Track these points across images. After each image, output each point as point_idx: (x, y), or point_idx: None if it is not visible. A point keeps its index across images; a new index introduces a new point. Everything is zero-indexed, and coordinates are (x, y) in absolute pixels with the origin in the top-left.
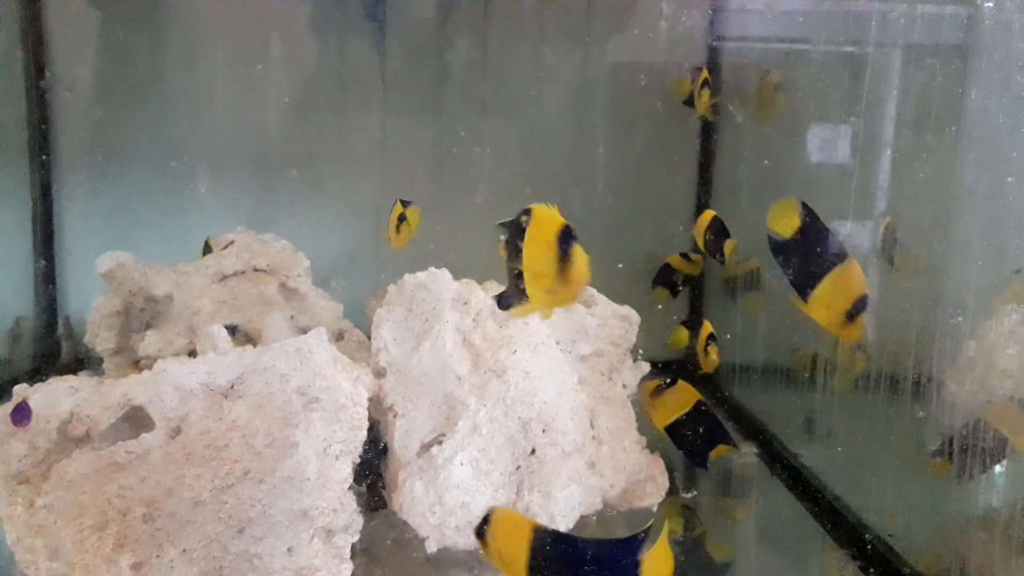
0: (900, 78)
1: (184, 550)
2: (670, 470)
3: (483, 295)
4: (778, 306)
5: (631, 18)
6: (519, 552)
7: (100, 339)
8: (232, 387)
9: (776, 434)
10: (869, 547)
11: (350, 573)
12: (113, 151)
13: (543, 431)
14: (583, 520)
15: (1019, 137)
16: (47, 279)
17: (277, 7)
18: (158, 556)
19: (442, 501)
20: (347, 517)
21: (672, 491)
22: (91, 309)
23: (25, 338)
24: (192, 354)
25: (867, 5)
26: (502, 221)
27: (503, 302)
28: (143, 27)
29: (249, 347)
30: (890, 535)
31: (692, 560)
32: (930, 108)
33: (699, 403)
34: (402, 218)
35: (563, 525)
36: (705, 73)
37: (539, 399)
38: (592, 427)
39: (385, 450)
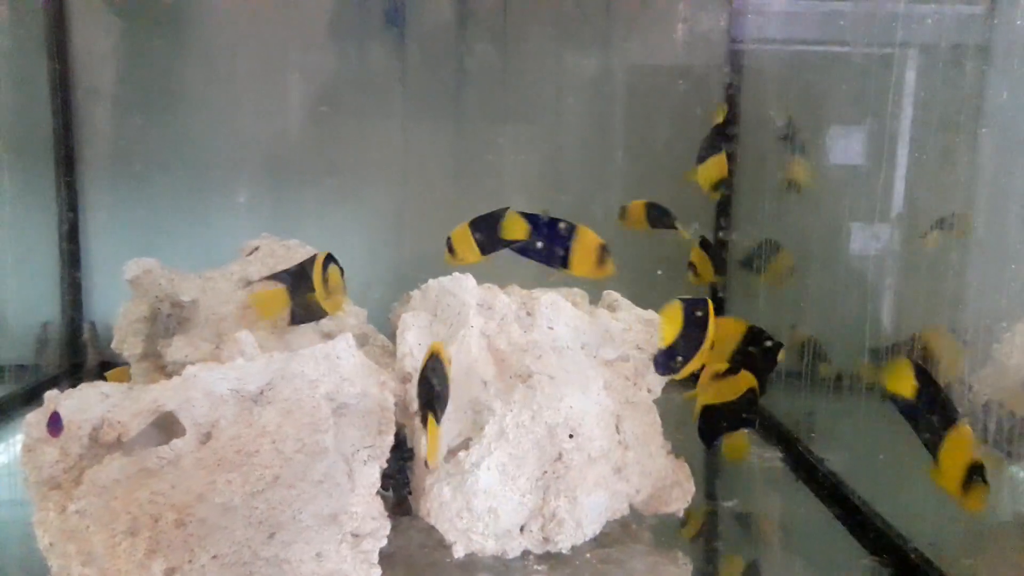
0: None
1: (215, 555)
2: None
3: (507, 300)
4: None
5: (651, 21)
6: None
7: (127, 345)
8: (262, 393)
9: (800, 438)
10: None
11: None
12: (138, 159)
13: (569, 436)
14: (608, 525)
15: None
16: (73, 285)
17: (298, 15)
18: (190, 561)
19: (470, 506)
20: (375, 522)
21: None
22: (117, 315)
23: (52, 344)
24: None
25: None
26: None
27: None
28: (166, 37)
29: (277, 353)
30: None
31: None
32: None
33: (751, 390)
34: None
35: (589, 531)
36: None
37: (565, 404)
38: (618, 432)
39: (411, 455)
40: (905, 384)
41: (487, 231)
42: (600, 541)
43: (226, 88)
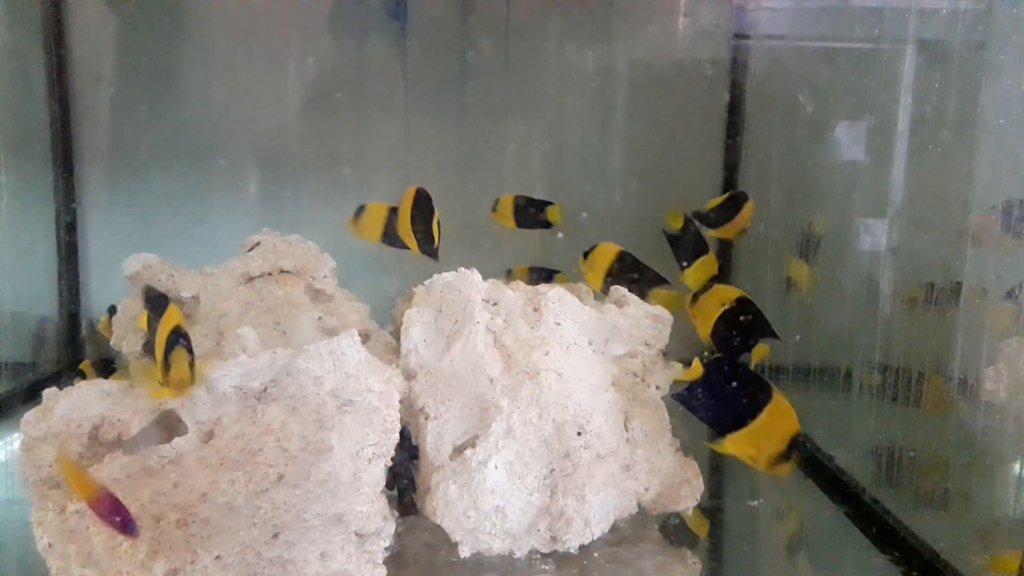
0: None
1: (218, 556)
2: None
3: (513, 295)
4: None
5: (653, 15)
6: None
7: (127, 341)
8: (265, 390)
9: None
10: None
11: None
12: (137, 154)
13: (577, 434)
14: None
15: None
16: (71, 281)
17: (300, 8)
18: (192, 562)
19: (477, 505)
20: (380, 522)
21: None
22: (116, 311)
23: (49, 341)
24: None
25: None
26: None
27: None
28: (165, 30)
29: (280, 349)
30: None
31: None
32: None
33: (741, 299)
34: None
35: (598, 530)
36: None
37: (573, 401)
38: (626, 429)
39: (416, 454)
40: None
41: (530, 208)
42: (608, 540)
43: (227, 81)
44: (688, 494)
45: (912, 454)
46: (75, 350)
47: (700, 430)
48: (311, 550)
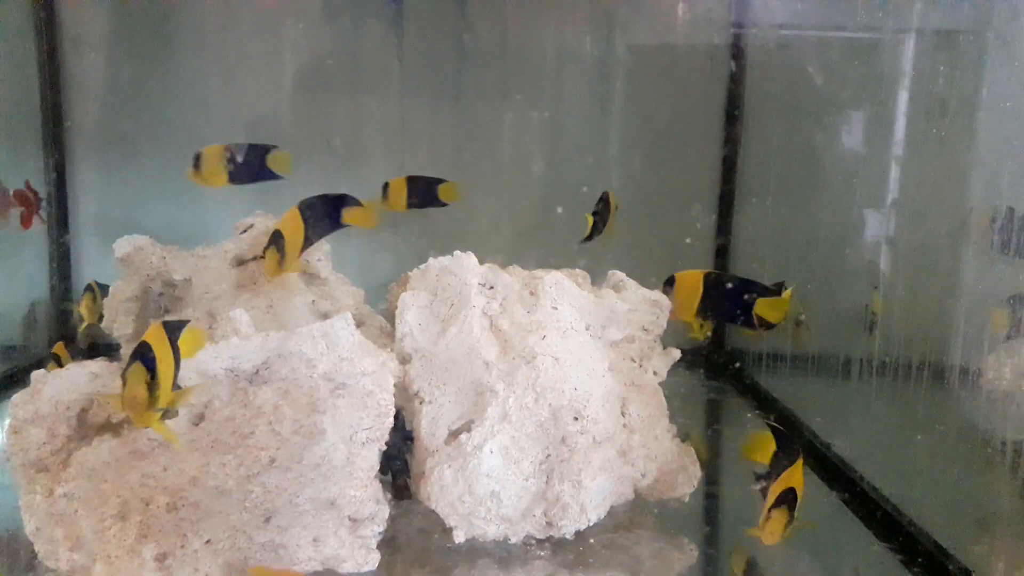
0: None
1: (209, 540)
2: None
3: (509, 279)
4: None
5: (653, 0)
6: None
7: (118, 324)
8: (257, 372)
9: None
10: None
11: (377, 564)
12: (128, 136)
13: (574, 419)
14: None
15: None
16: (62, 265)
17: None
18: (182, 547)
19: (472, 490)
20: (374, 506)
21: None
22: (107, 294)
23: (40, 324)
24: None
25: None
26: None
27: None
28: (156, 11)
29: (273, 332)
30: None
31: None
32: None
33: (707, 276)
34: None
35: (594, 516)
36: None
37: (569, 386)
38: (623, 415)
39: (410, 438)
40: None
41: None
42: (605, 526)
43: (220, 62)
44: (685, 481)
45: None
46: (66, 333)
47: (697, 417)
48: (303, 534)
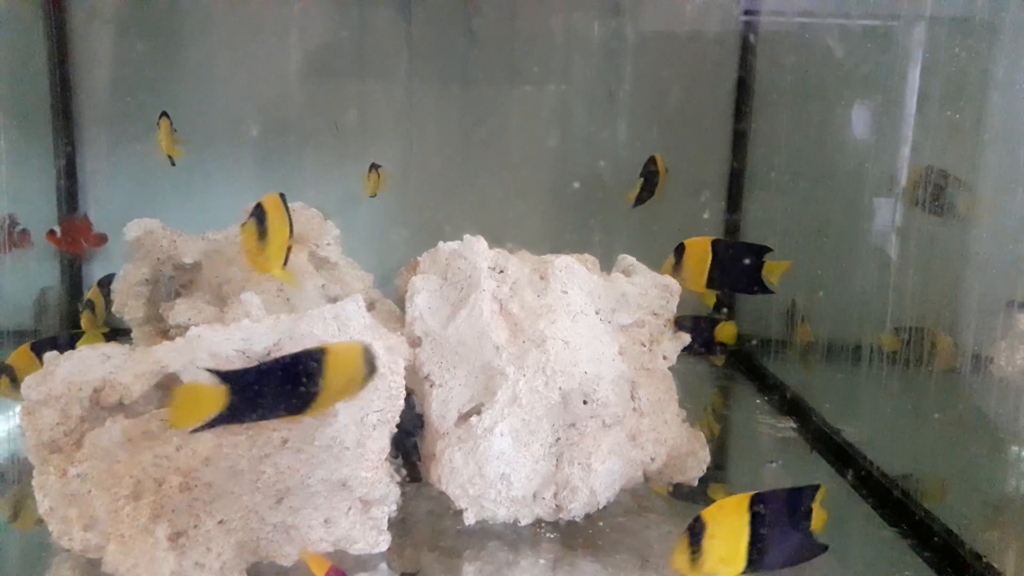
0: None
1: (221, 520)
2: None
3: (519, 263)
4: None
5: None
6: None
7: (128, 308)
8: (269, 354)
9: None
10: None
11: (388, 545)
12: (136, 121)
13: (584, 402)
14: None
15: None
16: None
17: None
18: (195, 526)
19: (482, 472)
20: (384, 488)
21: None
22: (117, 278)
23: (51, 309)
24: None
25: None
26: None
27: None
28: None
29: (283, 314)
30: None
31: None
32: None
33: (716, 242)
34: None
35: (603, 499)
36: None
37: (579, 369)
38: (633, 399)
39: (420, 422)
40: None
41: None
42: (614, 509)
43: (229, 46)
44: (694, 465)
45: None
46: (76, 317)
47: (705, 401)
48: (315, 515)
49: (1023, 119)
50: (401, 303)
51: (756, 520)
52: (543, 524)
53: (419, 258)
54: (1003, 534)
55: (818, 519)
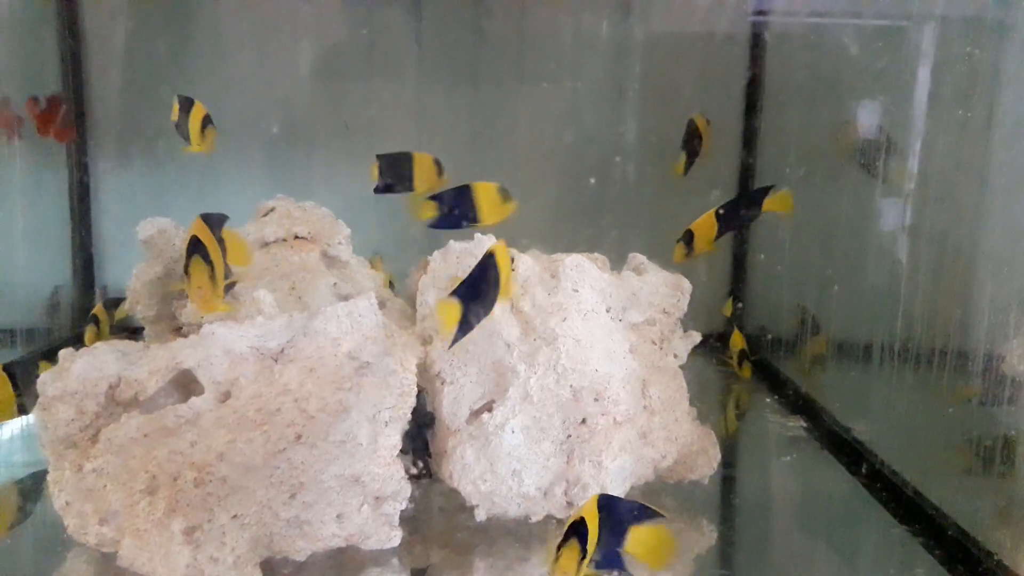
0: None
1: (235, 515)
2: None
3: (530, 261)
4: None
5: None
6: None
7: (141, 306)
8: (283, 351)
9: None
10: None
11: (399, 541)
12: (148, 123)
13: (595, 400)
14: (633, 490)
15: None
16: (83, 249)
17: None
18: (209, 521)
19: (494, 469)
20: (396, 484)
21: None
22: (129, 279)
23: (63, 307)
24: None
25: None
26: None
27: None
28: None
29: (296, 312)
30: None
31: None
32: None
33: (717, 212)
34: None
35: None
36: None
37: (591, 367)
38: (644, 397)
39: (431, 419)
40: None
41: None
42: None
43: (238, 48)
44: (705, 463)
45: None
46: (88, 316)
47: (716, 401)
48: (328, 511)
49: None
50: (411, 302)
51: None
52: (554, 520)
53: (429, 257)
54: (1016, 532)
55: (635, 545)
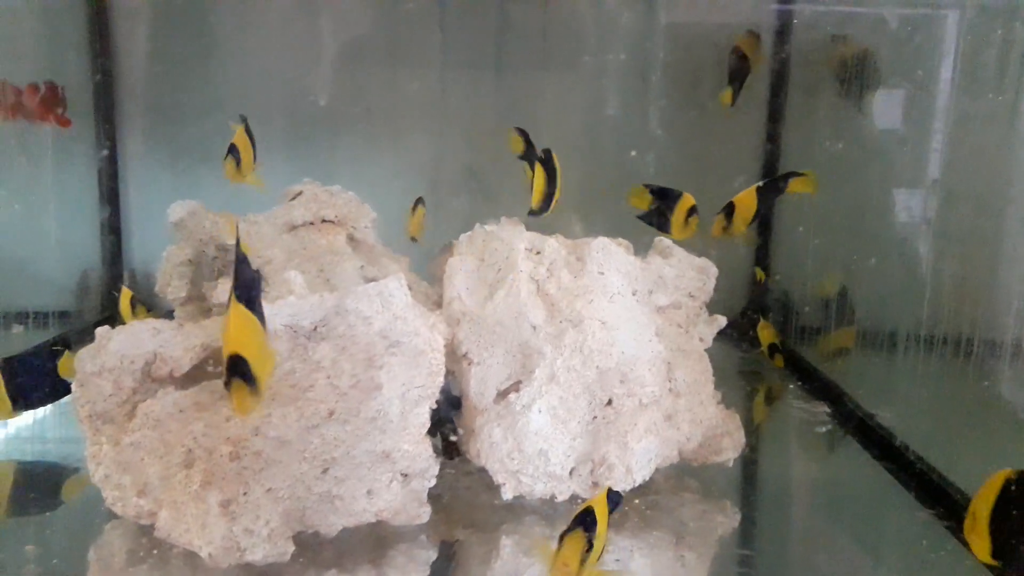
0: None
1: (269, 489)
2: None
3: (556, 244)
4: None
5: None
6: None
7: (172, 288)
8: (315, 329)
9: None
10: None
11: (428, 517)
12: (175, 107)
13: (620, 382)
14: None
15: None
16: (112, 233)
17: None
18: (244, 494)
19: (521, 448)
20: (425, 462)
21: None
22: (158, 261)
23: (93, 291)
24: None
25: None
26: None
27: None
28: None
29: (326, 292)
30: None
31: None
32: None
33: (758, 190)
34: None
35: (639, 477)
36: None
37: (617, 349)
38: (669, 379)
39: (458, 403)
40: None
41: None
42: (649, 488)
43: (262, 34)
44: (729, 445)
45: None
46: (117, 299)
47: (739, 384)
48: (359, 486)
49: None
50: (436, 284)
51: None
52: (580, 500)
53: (455, 241)
54: None
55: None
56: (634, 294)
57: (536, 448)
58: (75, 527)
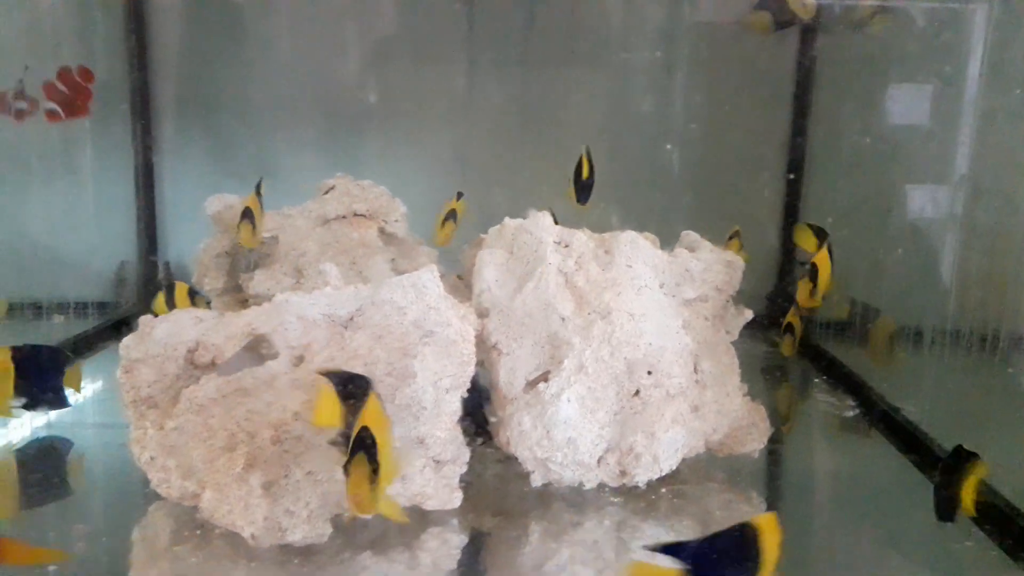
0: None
1: (309, 471)
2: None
3: (584, 238)
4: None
5: None
6: None
7: (209, 279)
8: (352, 319)
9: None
10: None
11: (460, 503)
12: (210, 103)
13: (648, 373)
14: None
15: None
16: (148, 225)
17: None
18: (285, 476)
19: (550, 435)
20: (456, 449)
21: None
22: (194, 253)
23: (129, 282)
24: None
25: None
26: None
27: None
28: None
29: (361, 284)
30: None
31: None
32: None
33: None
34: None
35: (666, 466)
36: None
37: (644, 341)
38: (696, 371)
39: (486, 392)
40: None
41: None
42: (675, 477)
43: (295, 30)
44: (755, 437)
45: None
46: (153, 291)
47: (763, 377)
48: None
49: None
50: (465, 277)
51: None
52: (607, 488)
53: (484, 235)
54: None
55: None
56: (661, 287)
57: (565, 436)
58: (120, 508)
